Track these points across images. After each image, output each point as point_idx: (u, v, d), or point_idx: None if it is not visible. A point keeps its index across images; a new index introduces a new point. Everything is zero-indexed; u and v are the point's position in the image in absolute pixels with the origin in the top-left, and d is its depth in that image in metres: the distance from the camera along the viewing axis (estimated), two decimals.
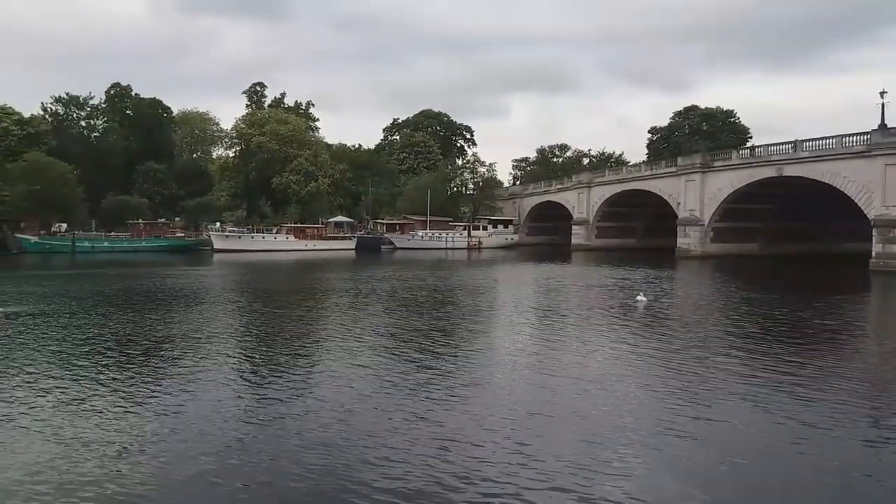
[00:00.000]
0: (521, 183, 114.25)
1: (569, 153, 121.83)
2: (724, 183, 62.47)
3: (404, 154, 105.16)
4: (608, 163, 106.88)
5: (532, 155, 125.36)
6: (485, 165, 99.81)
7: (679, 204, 66.86)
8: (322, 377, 14.60)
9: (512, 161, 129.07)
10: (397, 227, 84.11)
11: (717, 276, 45.19)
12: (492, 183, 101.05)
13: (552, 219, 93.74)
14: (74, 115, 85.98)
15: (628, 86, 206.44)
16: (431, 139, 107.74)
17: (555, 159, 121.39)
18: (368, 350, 17.50)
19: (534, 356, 17.27)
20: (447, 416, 11.74)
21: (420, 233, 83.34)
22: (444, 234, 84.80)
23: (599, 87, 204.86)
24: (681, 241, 65.65)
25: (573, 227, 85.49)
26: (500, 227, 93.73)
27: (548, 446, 10.20)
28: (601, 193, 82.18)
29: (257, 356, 17.04)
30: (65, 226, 73.14)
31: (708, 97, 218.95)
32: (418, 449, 10.00)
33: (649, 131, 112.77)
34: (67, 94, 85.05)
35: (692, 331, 21.49)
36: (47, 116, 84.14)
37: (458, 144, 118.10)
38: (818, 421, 11.54)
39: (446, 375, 14.74)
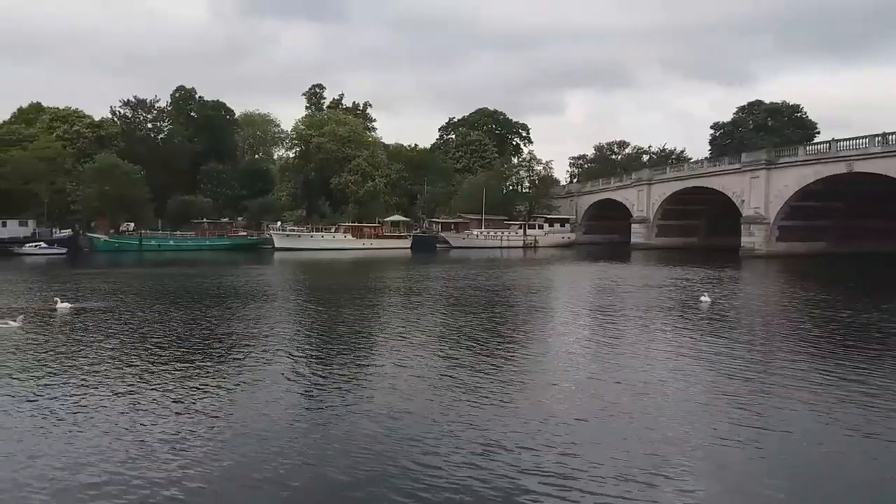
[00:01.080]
0: (578, 181, 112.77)
1: (627, 150, 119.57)
2: (791, 180, 60.27)
3: (460, 153, 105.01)
4: (669, 160, 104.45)
5: (589, 152, 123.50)
6: (541, 163, 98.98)
7: (743, 202, 64.82)
8: (374, 378, 14.61)
9: (569, 158, 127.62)
10: (452, 226, 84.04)
11: (783, 276, 43.61)
12: (548, 181, 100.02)
13: (610, 217, 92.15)
14: (141, 118, 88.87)
15: (688, 81, 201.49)
16: (487, 138, 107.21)
17: (613, 156, 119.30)
18: (420, 350, 17.46)
19: (591, 358, 16.92)
20: (497, 419, 11.55)
21: (475, 231, 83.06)
22: (499, 233, 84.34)
23: (658, 83, 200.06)
24: (745, 240, 63.64)
25: (632, 225, 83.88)
26: (557, 226, 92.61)
27: (602, 452, 9.93)
28: (662, 191, 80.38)
29: (311, 354, 17.19)
30: (132, 225, 75.75)
31: (772, 92, 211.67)
32: (466, 452, 9.87)
33: (712, 127, 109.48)
34: (135, 97, 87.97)
35: (756, 333, 20.73)
36: (116, 119, 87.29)
37: (514, 143, 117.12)
38: (887, 431, 10.93)
39: (498, 377, 14.56)
